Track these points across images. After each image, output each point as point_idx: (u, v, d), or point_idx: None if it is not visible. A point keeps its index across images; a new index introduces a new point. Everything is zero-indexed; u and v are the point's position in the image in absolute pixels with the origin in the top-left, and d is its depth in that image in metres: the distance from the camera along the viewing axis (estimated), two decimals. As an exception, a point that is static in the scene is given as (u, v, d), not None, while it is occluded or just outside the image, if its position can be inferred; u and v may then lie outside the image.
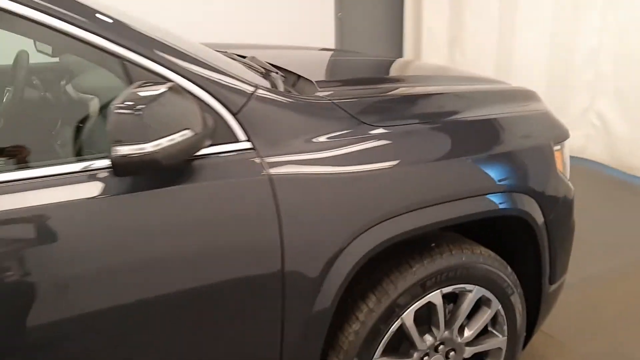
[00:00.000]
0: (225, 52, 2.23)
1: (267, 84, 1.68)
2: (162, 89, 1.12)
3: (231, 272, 1.29)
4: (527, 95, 1.97)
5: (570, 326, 2.53)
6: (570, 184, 1.89)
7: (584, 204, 4.02)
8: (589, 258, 3.15)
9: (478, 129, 1.65)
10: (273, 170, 1.32)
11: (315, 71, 2.08)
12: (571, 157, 4.63)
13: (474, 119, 1.67)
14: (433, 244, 1.65)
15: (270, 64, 1.98)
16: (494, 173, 1.61)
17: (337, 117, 1.47)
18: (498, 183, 1.62)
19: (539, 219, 1.73)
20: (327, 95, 1.55)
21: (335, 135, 1.43)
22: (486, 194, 1.60)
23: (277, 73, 1.83)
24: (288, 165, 1.34)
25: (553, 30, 4.99)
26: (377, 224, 1.43)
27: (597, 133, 4.85)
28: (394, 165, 1.46)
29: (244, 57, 2.15)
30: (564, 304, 2.62)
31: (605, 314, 2.64)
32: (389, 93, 1.74)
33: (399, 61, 2.60)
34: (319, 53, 2.70)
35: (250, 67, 1.97)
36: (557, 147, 1.80)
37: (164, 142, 1.09)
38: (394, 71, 2.26)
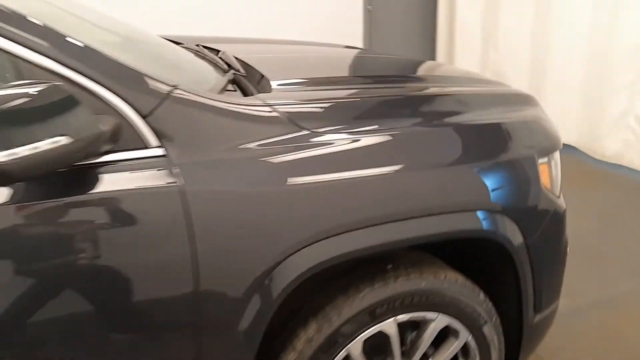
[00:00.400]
0: (200, 46, 2.10)
1: (221, 82, 1.54)
2: (38, 88, 0.99)
3: (137, 293, 1.16)
4: (517, 100, 1.76)
5: (586, 357, 2.26)
6: (560, 201, 1.67)
7: (616, 216, 3.73)
8: (616, 277, 2.87)
9: (442, 138, 1.45)
10: (186, 180, 1.17)
11: (289, 69, 1.92)
12: (607, 164, 4.28)
13: (438, 126, 1.47)
14: (389, 266, 1.47)
15: (240, 60, 1.84)
16: (457, 188, 1.42)
17: (273, 122, 1.30)
18: (462, 200, 1.43)
19: (517, 240, 1.52)
20: (267, 97, 1.39)
21: (267, 142, 1.27)
22: (448, 212, 1.41)
23: (237, 71, 1.69)
24: (205, 174, 1.19)
25: (591, 27, 4.64)
26: (313, 243, 1.26)
27: (636, 138, 4.48)
28: (335, 178, 1.29)
29: (218, 51, 2.01)
30: (580, 330, 2.37)
31: (630, 341, 2.36)
32: (350, 95, 1.57)
33: (397, 60, 2.41)
34: (318, 49, 2.54)
35: (215, 64, 1.83)
36: (543, 160, 1.58)
37: (23, 150, 0.95)
38: (379, 70, 2.07)
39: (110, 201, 1.13)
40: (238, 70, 1.70)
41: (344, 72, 1.99)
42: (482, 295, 1.56)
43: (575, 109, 4.88)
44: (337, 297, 1.40)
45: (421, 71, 2.12)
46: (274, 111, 1.32)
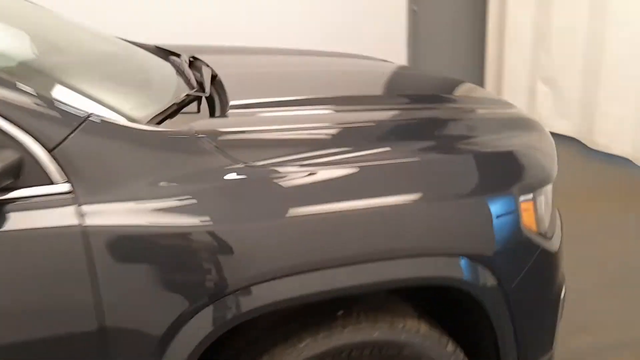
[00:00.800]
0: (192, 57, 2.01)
1: (164, 106, 1.43)
2: None
3: (35, 343, 1.08)
4: (508, 125, 1.57)
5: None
6: (550, 243, 1.46)
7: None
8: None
9: (397, 172, 1.29)
10: (91, 221, 1.07)
11: (266, 87, 1.80)
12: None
13: (396, 158, 1.31)
14: (340, 312, 1.33)
15: (215, 76, 1.73)
16: (412, 229, 1.26)
17: (200, 154, 1.19)
18: (419, 243, 1.26)
19: (489, 287, 1.34)
20: (205, 124, 1.28)
21: (194, 178, 1.15)
22: (399, 257, 1.25)
23: (200, 90, 1.59)
24: (114, 215, 1.09)
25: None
26: (237, 290, 1.14)
27: (698, 153, 4.08)
28: (269, 217, 1.16)
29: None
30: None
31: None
32: (314, 120, 1.44)
33: (396, 74, 2.24)
34: (327, 61, 2.40)
35: (188, 80, 1.74)
36: (527, 197, 1.38)
37: None
38: (369, 88, 1.91)
39: (8, 240, 1.05)
40: (203, 89, 1.60)
41: (328, 91, 1.83)
42: (450, 347, 1.39)
43: (631, 118, 4.50)
44: (277, 346, 1.28)
45: (408, 87, 1.94)
46: (204, 141, 1.20)
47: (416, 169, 1.30)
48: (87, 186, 1.09)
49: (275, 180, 1.19)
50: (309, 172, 1.21)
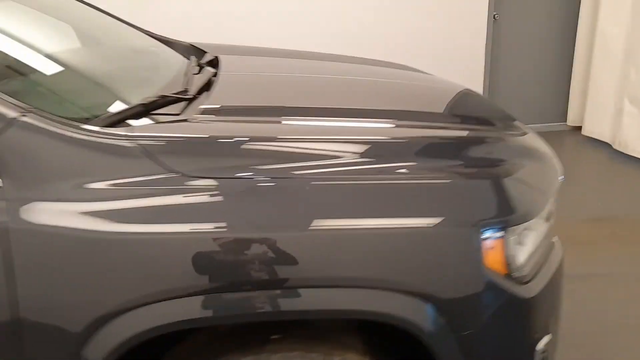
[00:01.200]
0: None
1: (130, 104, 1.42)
2: None
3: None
4: (496, 152, 1.42)
5: None
6: (523, 289, 1.30)
7: None
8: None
9: (338, 194, 1.20)
10: (12, 218, 1.08)
11: (250, 91, 1.75)
12: None
13: (344, 180, 1.22)
14: (275, 336, 1.26)
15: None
16: (343, 257, 1.16)
17: (133, 159, 1.17)
18: (352, 272, 1.17)
19: (438, 330, 1.22)
20: (143, 129, 1.26)
21: (118, 183, 1.14)
22: (327, 286, 1.17)
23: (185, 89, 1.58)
24: (37, 213, 1.10)
25: None
26: (147, 304, 1.11)
27: None
28: (188, 231, 1.12)
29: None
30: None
31: None
32: (272, 132, 1.38)
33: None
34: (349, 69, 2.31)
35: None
36: (494, 234, 1.24)
37: None
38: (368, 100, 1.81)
39: None
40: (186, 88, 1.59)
41: (322, 101, 1.75)
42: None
43: None
44: (205, 363, 1.24)
45: (399, 99, 1.80)
46: (135, 146, 1.18)
47: (349, 190, 1.21)
48: (14, 182, 1.10)
49: (202, 192, 1.15)
50: (233, 188, 1.16)
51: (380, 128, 1.51)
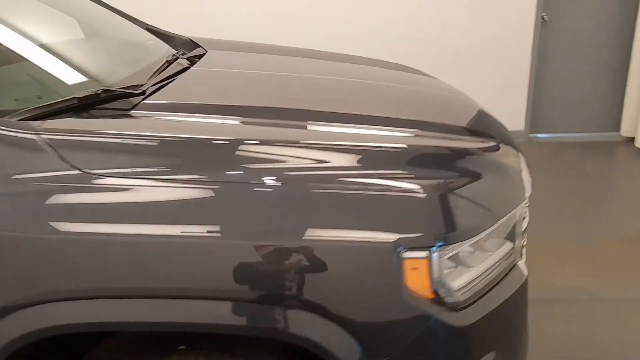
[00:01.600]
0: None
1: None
2: None
3: None
4: (440, 162, 1.30)
5: None
6: (456, 316, 1.18)
7: None
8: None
9: (251, 201, 1.12)
10: None
11: (217, 88, 1.69)
12: None
13: (263, 185, 1.14)
14: (182, 347, 1.20)
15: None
16: (251, 270, 1.09)
17: (36, 154, 1.13)
18: (254, 289, 1.09)
19: (354, 357, 1.12)
20: (55, 123, 1.22)
21: (20, 177, 1.10)
22: (232, 299, 1.10)
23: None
24: None
25: None
26: (36, 304, 1.08)
27: None
28: (69, 232, 1.08)
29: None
30: None
31: None
32: (207, 131, 1.32)
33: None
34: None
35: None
36: (419, 254, 1.12)
37: None
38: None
39: None
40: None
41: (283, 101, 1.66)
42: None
43: None
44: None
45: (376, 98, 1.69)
46: (41, 141, 1.14)
47: (280, 203, 1.13)
48: None
49: (100, 192, 1.10)
50: (141, 190, 1.10)
51: (312, 132, 1.42)
